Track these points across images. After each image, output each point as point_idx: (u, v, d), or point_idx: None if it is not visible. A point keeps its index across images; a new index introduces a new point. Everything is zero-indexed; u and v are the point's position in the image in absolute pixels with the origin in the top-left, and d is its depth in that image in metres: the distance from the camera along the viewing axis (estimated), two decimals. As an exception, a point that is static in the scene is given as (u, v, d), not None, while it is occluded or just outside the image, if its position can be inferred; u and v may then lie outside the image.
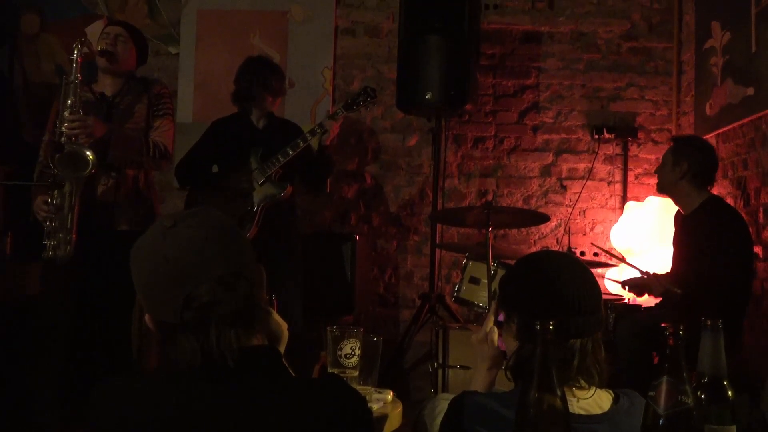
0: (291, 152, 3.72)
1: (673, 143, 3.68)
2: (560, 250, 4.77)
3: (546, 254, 2.08)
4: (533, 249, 4.84)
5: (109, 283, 3.27)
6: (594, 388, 1.47)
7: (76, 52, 3.22)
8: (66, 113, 3.15)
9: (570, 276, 1.52)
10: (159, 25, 5.05)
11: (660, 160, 3.72)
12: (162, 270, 1.28)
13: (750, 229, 3.55)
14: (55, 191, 3.11)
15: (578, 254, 4.54)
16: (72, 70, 3.20)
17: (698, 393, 1.15)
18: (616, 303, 3.80)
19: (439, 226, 4.64)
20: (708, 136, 4.33)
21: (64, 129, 3.14)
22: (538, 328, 1.11)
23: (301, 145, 3.74)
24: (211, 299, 1.25)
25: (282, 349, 1.45)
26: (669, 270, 3.76)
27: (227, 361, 1.24)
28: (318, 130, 3.80)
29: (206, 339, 1.25)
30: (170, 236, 1.30)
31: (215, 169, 3.94)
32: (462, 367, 3.43)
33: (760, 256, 3.68)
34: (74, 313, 3.26)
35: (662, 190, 3.70)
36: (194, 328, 1.26)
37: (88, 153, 3.08)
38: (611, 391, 1.51)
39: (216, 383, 1.25)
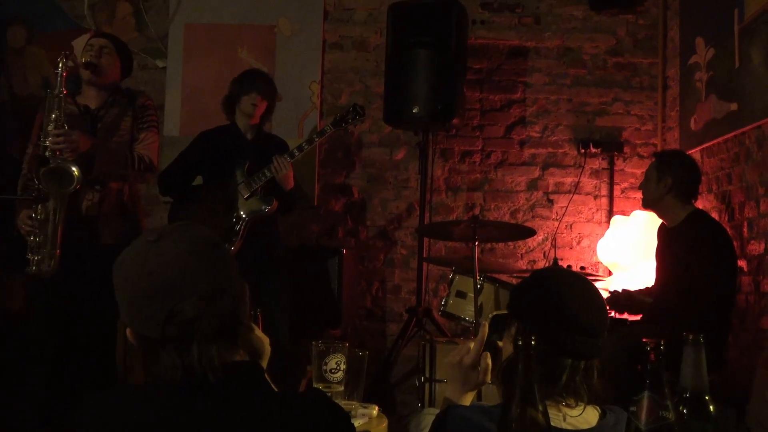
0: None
1: (656, 158, 3.71)
2: (547, 264, 4.79)
3: (560, 271, 2.09)
4: (520, 263, 4.85)
5: (93, 298, 3.26)
6: (583, 405, 1.47)
7: (60, 65, 3.21)
8: (50, 127, 3.13)
9: (579, 296, 1.53)
10: (146, 38, 5.05)
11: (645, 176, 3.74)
12: (145, 285, 1.27)
13: (734, 243, 3.58)
14: (39, 206, 3.09)
15: (564, 267, 4.57)
16: (57, 84, 3.19)
17: (680, 408, 1.15)
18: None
19: (426, 239, 4.65)
20: (693, 150, 4.36)
21: (48, 143, 3.12)
22: (520, 343, 1.11)
23: (289, 160, 3.72)
24: (194, 315, 1.25)
25: (264, 363, 1.44)
26: (651, 284, 3.78)
27: (209, 378, 1.23)
28: (305, 146, 3.79)
29: (188, 355, 1.24)
30: (154, 251, 1.29)
31: (199, 180, 3.93)
32: (449, 381, 3.42)
33: (745, 270, 3.70)
34: (58, 328, 3.24)
35: (647, 205, 3.72)
36: (176, 344, 1.25)
37: (73, 169, 3.07)
38: (598, 408, 1.51)
39: (198, 399, 1.24)
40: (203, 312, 1.25)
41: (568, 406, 1.47)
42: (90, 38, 3.66)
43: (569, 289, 1.54)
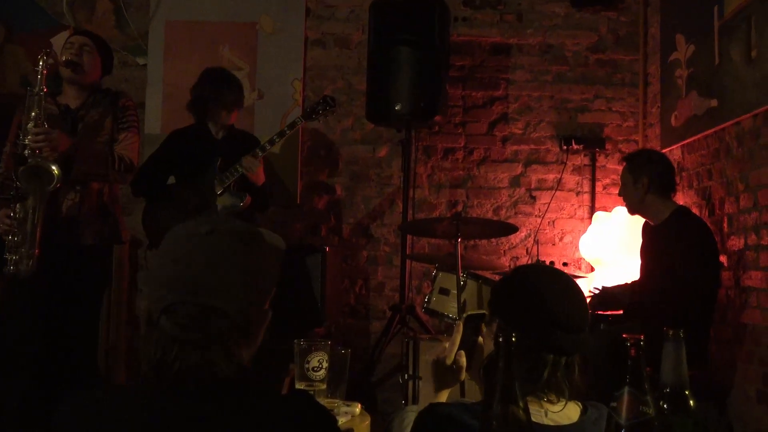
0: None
1: (627, 162, 3.72)
2: (530, 260, 4.80)
3: (541, 267, 2.10)
4: (503, 260, 4.87)
5: (73, 298, 3.23)
6: (564, 401, 1.48)
7: (41, 63, 3.17)
8: (30, 125, 3.09)
9: (560, 292, 1.54)
10: (127, 35, 5.01)
11: None
12: (167, 267, 1.28)
13: (715, 238, 3.61)
14: (18, 205, 3.05)
15: (547, 264, 4.58)
16: (37, 82, 3.15)
17: (660, 403, 1.15)
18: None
19: (409, 237, 4.64)
20: (673, 147, 4.39)
21: (27, 141, 3.08)
22: (500, 339, 1.11)
23: (260, 154, 3.72)
24: (184, 322, 1.24)
25: None
26: (634, 280, 3.80)
27: (187, 379, 1.22)
28: (276, 140, 3.78)
29: (168, 353, 1.23)
30: (194, 240, 1.28)
31: (172, 180, 3.91)
32: (432, 378, 3.42)
33: (725, 265, 3.73)
34: (37, 329, 3.20)
35: (633, 210, 3.73)
36: (161, 336, 1.25)
37: (53, 167, 3.03)
38: (580, 403, 1.51)
39: (181, 399, 1.22)
40: (191, 324, 1.24)
41: (549, 401, 1.47)
42: (70, 36, 3.63)
43: (550, 285, 1.55)
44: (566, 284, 1.58)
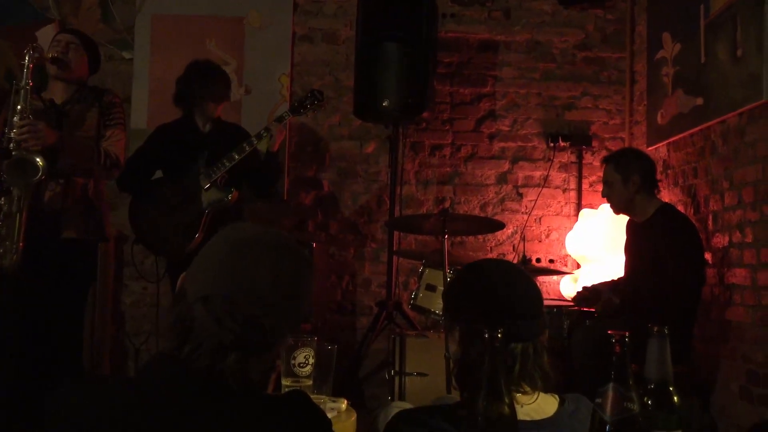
0: (237, 156, 3.65)
1: (614, 162, 3.65)
2: (516, 257, 4.82)
3: (486, 261, 2.11)
4: (490, 256, 4.87)
5: (57, 292, 3.21)
6: (538, 393, 1.48)
7: (27, 57, 3.15)
8: (15, 118, 3.08)
9: (509, 281, 1.55)
10: (113, 29, 4.98)
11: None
12: (226, 262, 1.27)
13: (700, 235, 3.63)
14: (2, 198, 3.03)
15: (534, 261, 4.60)
16: (23, 76, 3.13)
17: (645, 399, 1.16)
18: (571, 310, 3.85)
19: (396, 233, 4.64)
20: (659, 144, 4.42)
21: (13, 135, 3.06)
22: (486, 335, 1.11)
23: (247, 149, 3.66)
24: (221, 317, 1.23)
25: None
26: (619, 276, 3.82)
27: (191, 378, 1.21)
28: (264, 134, 3.71)
29: (186, 341, 1.23)
30: (260, 249, 1.29)
31: (158, 174, 3.88)
32: (419, 374, 3.43)
33: (710, 262, 3.75)
34: (21, 322, 3.18)
35: (619, 209, 3.70)
36: (185, 325, 1.24)
37: (38, 159, 3.01)
38: (557, 396, 1.52)
39: (174, 394, 1.21)
40: (227, 320, 1.22)
41: (524, 393, 1.47)
42: (57, 34, 3.60)
43: (497, 275, 1.57)
44: (513, 272, 1.60)
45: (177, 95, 3.83)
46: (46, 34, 4.62)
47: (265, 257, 1.28)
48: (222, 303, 1.23)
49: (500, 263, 1.71)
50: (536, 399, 1.47)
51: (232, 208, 3.73)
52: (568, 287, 4.58)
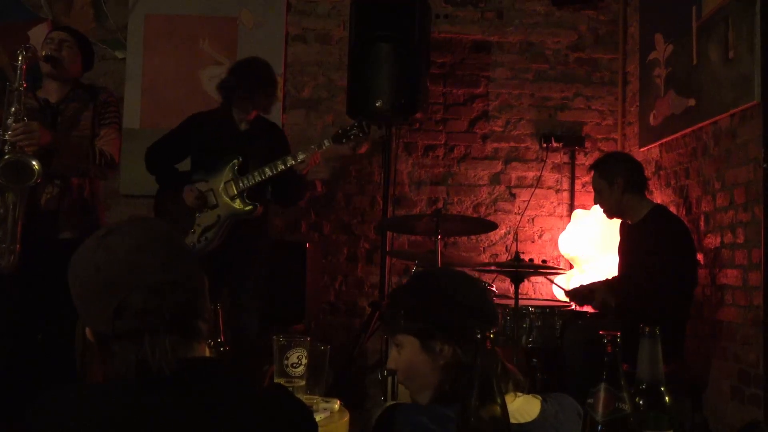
0: (269, 173, 3.57)
1: (597, 169, 3.69)
2: (509, 257, 4.82)
3: (443, 270, 2.15)
4: (483, 257, 4.88)
5: (52, 294, 3.19)
6: (514, 395, 1.48)
7: (20, 57, 3.14)
8: (10, 120, 3.07)
9: (468, 288, 1.62)
10: (105, 29, 4.97)
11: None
12: (93, 279, 1.26)
13: (692, 236, 3.64)
14: (-2, 199, 3.03)
15: (526, 261, 4.60)
16: (16, 77, 3.11)
17: (636, 399, 1.16)
18: (563, 310, 3.86)
19: (389, 233, 4.65)
20: (651, 145, 4.43)
21: (7, 137, 3.04)
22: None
23: (281, 167, 3.57)
24: (142, 307, 1.23)
25: None
26: (614, 276, 3.83)
27: (165, 372, 1.21)
28: (301, 157, 3.58)
29: (141, 349, 1.22)
30: (102, 245, 1.28)
31: (185, 165, 3.80)
32: (411, 374, 3.42)
33: (702, 263, 3.77)
34: (16, 324, 3.17)
35: (611, 214, 3.73)
36: (128, 338, 1.23)
37: (33, 162, 3.00)
38: (539, 396, 1.52)
39: (156, 396, 1.22)
40: (152, 305, 1.23)
41: (506, 393, 1.48)
42: (50, 31, 3.59)
43: (456, 283, 1.62)
44: (471, 280, 1.66)
45: (225, 83, 3.69)
46: (37, 34, 4.60)
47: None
48: (127, 307, 1.23)
49: (456, 272, 1.75)
50: (515, 399, 1.48)
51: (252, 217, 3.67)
52: (562, 283, 4.59)
